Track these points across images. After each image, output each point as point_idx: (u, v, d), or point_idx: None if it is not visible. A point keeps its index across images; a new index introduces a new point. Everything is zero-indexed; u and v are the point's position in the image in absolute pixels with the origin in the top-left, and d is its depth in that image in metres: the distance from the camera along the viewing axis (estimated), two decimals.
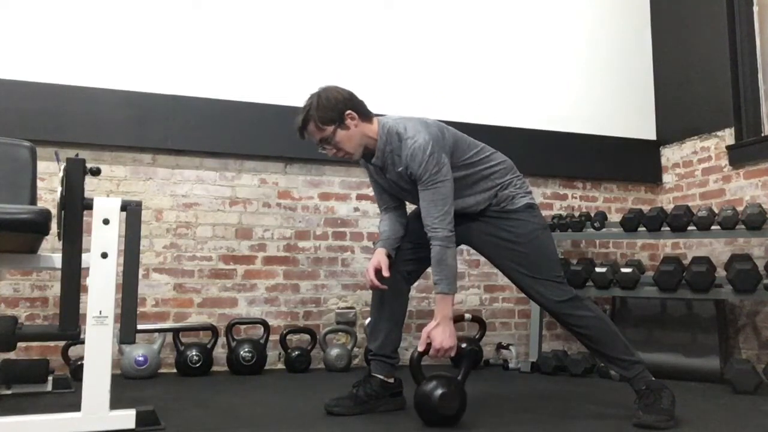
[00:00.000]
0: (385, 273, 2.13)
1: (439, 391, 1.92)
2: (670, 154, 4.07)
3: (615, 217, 3.81)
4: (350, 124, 2.06)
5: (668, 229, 3.18)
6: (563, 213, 3.76)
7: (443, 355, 2.02)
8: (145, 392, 2.53)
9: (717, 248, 3.61)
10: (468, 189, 2.13)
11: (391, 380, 2.22)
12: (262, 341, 3.14)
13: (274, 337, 3.22)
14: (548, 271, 2.11)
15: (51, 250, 2.59)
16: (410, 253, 2.23)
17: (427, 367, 2.05)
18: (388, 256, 2.19)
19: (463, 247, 2.27)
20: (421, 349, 2.02)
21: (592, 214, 3.51)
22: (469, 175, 2.12)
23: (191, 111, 3.27)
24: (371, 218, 3.50)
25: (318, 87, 2.10)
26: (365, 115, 2.10)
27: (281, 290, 3.38)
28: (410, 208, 2.31)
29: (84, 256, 1.84)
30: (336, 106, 2.05)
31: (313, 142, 2.12)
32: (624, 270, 3.17)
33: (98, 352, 1.80)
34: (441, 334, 1.99)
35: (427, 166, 1.99)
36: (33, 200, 2.38)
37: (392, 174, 2.13)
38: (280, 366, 3.23)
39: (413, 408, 1.99)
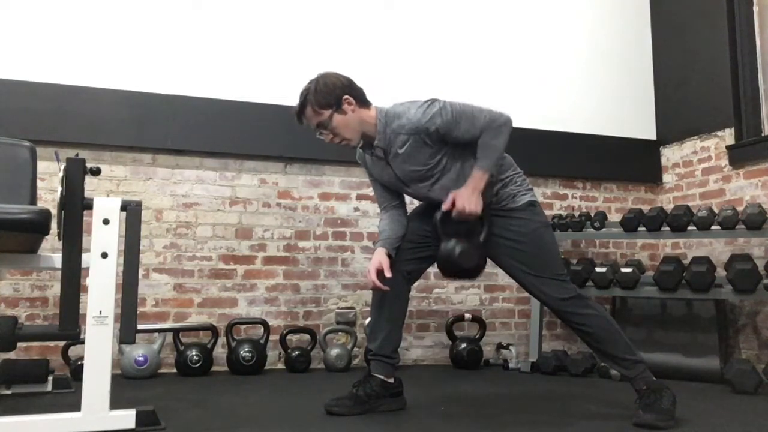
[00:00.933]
0: (387, 273, 2.12)
1: (460, 247, 2.05)
2: (670, 154, 4.07)
3: (615, 217, 3.81)
4: (347, 110, 2.07)
5: (668, 229, 3.18)
6: (563, 213, 3.76)
7: (465, 217, 2.05)
8: (145, 392, 2.53)
9: (717, 248, 3.61)
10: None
11: (391, 380, 2.22)
12: (262, 341, 3.14)
13: (274, 337, 3.22)
14: (551, 269, 2.11)
15: (51, 250, 2.59)
16: (410, 253, 2.22)
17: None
18: (389, 256, 2.18)
19: None
20: (445, 207, 2.07)
21: (592, 214, 3.52)
22: (471, 165, 2.11)
23: (191, 111, 3.27)
24: (371, 218, 3.50)
25: (317, 73, 2.12)
26: (363, 101, 2.11)
27: (281, 290, 3.38)
28: (409, 207, 2.31)
29: (84, 256, 1.84)
30: (334, 91, 2.06)
31: (311, 127, 2.13)
32: (624, 270, 3.17)
33: (98, 352, 1.80)
34: (467, 198, 2.02)
35: (440, 108, 2.03)
36: (33, 200, 2.38)
37: (396, 157, 2.11)
38: (280, 366, 3.24)
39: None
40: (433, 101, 2.06)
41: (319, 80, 2.08)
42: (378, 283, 2.12)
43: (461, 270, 2.10)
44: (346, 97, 2.07)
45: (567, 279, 2.14)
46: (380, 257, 2.15)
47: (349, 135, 2.11)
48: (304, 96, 2.08)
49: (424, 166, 2.09)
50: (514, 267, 2.14)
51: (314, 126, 2.11)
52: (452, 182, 2.10)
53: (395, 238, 2.23)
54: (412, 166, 2.10)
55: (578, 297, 2.11)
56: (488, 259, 2.22)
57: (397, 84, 3.63)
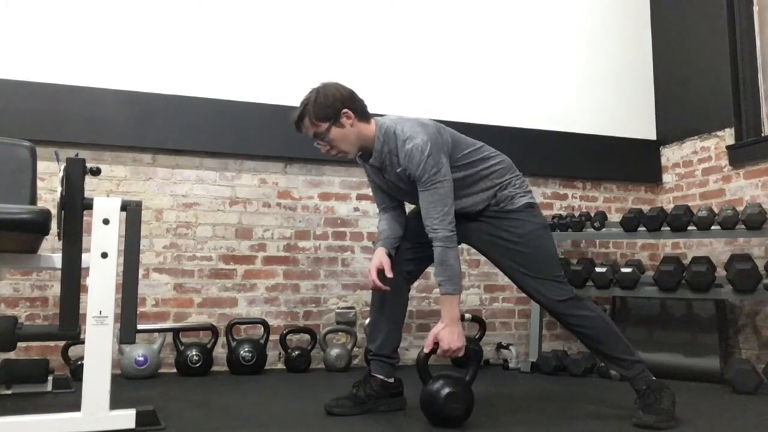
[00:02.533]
0: (388, 273, 2.12)
1: (446, 391, 1.92)
2: (670, 154, 4.07)
3: (615, 217, 3.81)
4: (346, 123, 2.05)
5: (668, 229, 3.18)
6: (563, 213, 3.76)
7: (451, 356, 2.02)
8: (145, 392, 2.53)
9: (717, 248, 3.61)
10: (467, 189, 2.12)
11: (391, 380, 2.22)
12: (262, 341, 3.14)
13: (274, 337, 3.22)
14: (549, 270, 2.11)
15: (51, 250, 2.59)
16: (410, 253, 2.23)
17: (433, 367, 2.04)
18: (389, 256, 2.19)
19: (464, 246, 2.27)
20: (427, 350, 2.01)
21: (592, 214, 3.51)
22: (468, 175, 2.11)
23: (191, 111, 3.27)
24: (371, 218, 3.50)
25: (320, 82, 2.10)
26: (363, 115, 2.09)
27: (281, 290, 3.38)
28: (409, 207, 2.31)
29: (84, 256, 1.84)
30: (333, 104, 2.04)
31: (308, 136, 2.12)
32: (624, 270, 3.17)
33: (98, 352, 1.80)
34: (449, 336, 1.98)
35: (426, 167, 1.98)
36: (33, 200, 2.38)
37: (391, 175, 2.12)
38: (280, 366, 3.23)
39: (419, 408, 1.99)
40: (428, 154, 1.98)
41: (320, 91, 2.06)
42: (378, 283, 2.12)
43: (447, 418, 1.93)
44: (345, 110, 2.04)
45: (564, 280, 2.14)
46: (381, 257, 2.16)
47: (346, 148, 2.10)
48: (303, 106, 2.06)
49: (415, 188, 2.07)
50: (512, 268, 2.14)
51: (312, 136, 2.10)
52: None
53: (394, 238, 2.23)
54: (407, 186, 2.10)
55: (575, 298, 2.11)
56: (488, 260, 2.23)
57: (397, 84, 3.63)
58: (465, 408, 1.94)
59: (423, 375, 2.00)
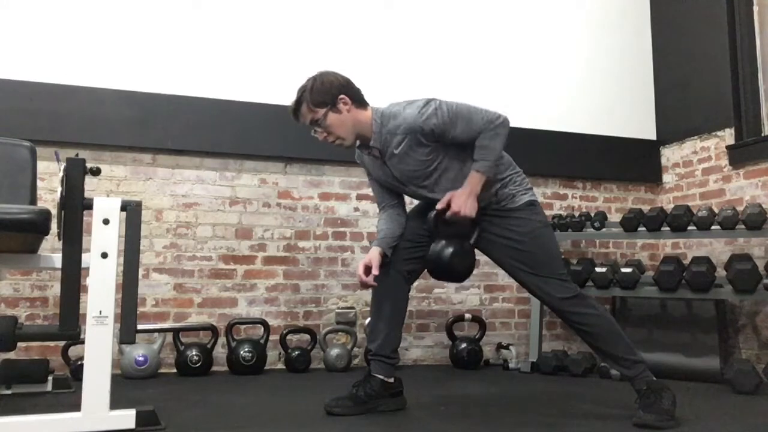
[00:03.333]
0: (375, 271, 2.13)
1: (450, 248, 2.04)
2: (670, 154, 4.07)
3: (615, 217, 3.81)
4: (342, 109, 2.07)
5: (668, 229, 3.18)
6: (563, 213, 3.76)
7: (458, 219, 2.05)
8: (145, 392, 2.53)
9: (717, 248, 3.61)
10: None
11: (391, 380, 2.22)
12: (262, 341, 3.14)
13: (274, 337, 3.22)
14: (551, 268, 2.11)
15: (51, 250, 2.59)
16: (409, 253, 2.22)
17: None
18: (384, 256, 2.18)
19: None
20: (439, 206, 2.06)
21: (592, 214, 3.51)
22: (467, 172, 2.11)
23: (191, 111, 3.27)
24: (371, 218, 3.50)
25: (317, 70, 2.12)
26: (360, 102, 2.11)
27: (281, 290, 3.38)
28: (409, 207, 2.31)
29: (84, 256, 1.84)
30: (330, 90, 2.06)
31: (305, 124, 2.13)
32: (624, 270, 3.17)
33: (98, 352, 1.80)
34: (463, 201, 2.02)
35: (436, 108, 2.02)
36: (33, 200, 2.38)
37: (392, 157, 2.11)
38: (280, 366, 3.23)
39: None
40: (429, 101, 2.06)
41: (317, 78, 2.09)
42: (365, 279, 2.13)
43: (451, 272, 2.09)
44: (341, 96, 2.07)
45: (568, 278, 2.14)
46: (372, 255, 2.17)
47: (343, 134, 2.10)
48: (301, 93, 2.09)
49: (420, 166, 2.09)
50: (515, 267, 2.14)
51: (308, 123, 2.11)
52: (450, 182, 2.10)
53: (392, 237, 2.23)
54: (409, 166, 2.10)
55: (579, 296, 2.11)
56: (489, 260, 2.23)
57: (397, 83, 3.63)
58: (467, 264, 2.08)
59: (432, 231, 2.10)
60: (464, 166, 2.10)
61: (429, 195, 2.16)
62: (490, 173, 2.06)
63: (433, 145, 2.06)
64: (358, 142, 2.17)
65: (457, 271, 2.09)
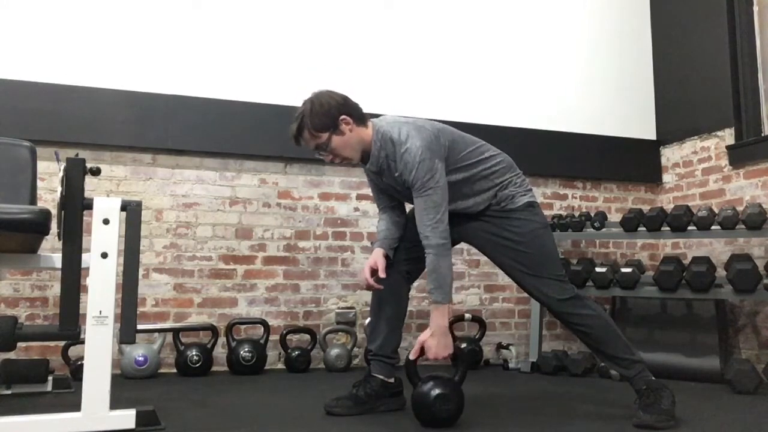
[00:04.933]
0: (381, 274, 2.13)
1: (435, 392, 1.92)
2: (670, 154, 4.07)
3: (615, 217, 3.81)
4: (345, 129, 2.05)
5: (668, 229, 3.18)
6: (563, 213, 3.76)
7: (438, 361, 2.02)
8: (145, 392, 2.53)
9: (717, 248, 3.61)
10: (467, 189, 2.12)
11: (391, 380, 2.22)
12: (262, 341, 3.14)
13: (274, 337, 3.22)
14: (550, 269, 2.11)
15: (51, 250, 2.59)
16: (409, 253, 2.22)
17: (424, 367, 2.05)
18: (386, 257, 2.19)
19: (464, 246, 2.28)
20: (412, 357, 2.02)
21: (592, 214, 3.51)
22: (468, 177, 2.11)
23: (191, 111, 3.27)
24: (371, 218, 3.50)
25: (311, 93, 2.09)
26: (360, 119, 2.08)
27: (281, 290, 3.38)
28: (408, 206, 2.31)
29: (84, 256, 1.84)
30: (329, 112, 2.03)
31: (309, 148, 2.11)
32: (624, 270, 3.17)
33: (98, 352, 1.80)
34: (435, 345, 1.99)
35: (418, 173, 1.98)
36: (33, 200, 2.38)
37: (389, 178, 2.12)
38: (280, 366, 3.24)
39: (411, 409, 1.99)
40: (423, 159, 1.97)
41: (314, 102, 2.04)
42: (371, 282, 2.13)
43: (437, 420, 1.93)
44: (343, 117, 2.04)
45: (566, 279, 2.14)
46: (376, 257, 2.16)
47: (350, 154, 2.09)
48: (300, 119, 2.04)
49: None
50: (513, 267, 2.14)
51: (313, 148, 2.09)
52: (450, 198, 2.08)
53: (392, 238, 2.23)
54: (404, 190, 2.09)
55: (577, 297, 2.11)
56: (488, 260, 2.23)
57: (397, 83, 3.64)
58: (455, 408, 1.94)
59: (412, 378, 2.01)
60: (459, 180, 2.09)
61: None
62: (448, 299, 1.99)
63: None
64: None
65: (444, 418, 1.93)
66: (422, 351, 2.01)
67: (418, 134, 2.02)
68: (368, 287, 2.16)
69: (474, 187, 2.13)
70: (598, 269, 3.23)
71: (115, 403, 1.83)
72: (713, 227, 3.06)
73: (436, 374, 2.00)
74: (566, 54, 4.05)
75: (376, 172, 2.14)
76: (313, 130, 2.03)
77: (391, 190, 2.19)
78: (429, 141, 2.02)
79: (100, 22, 3.21)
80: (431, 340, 1.99)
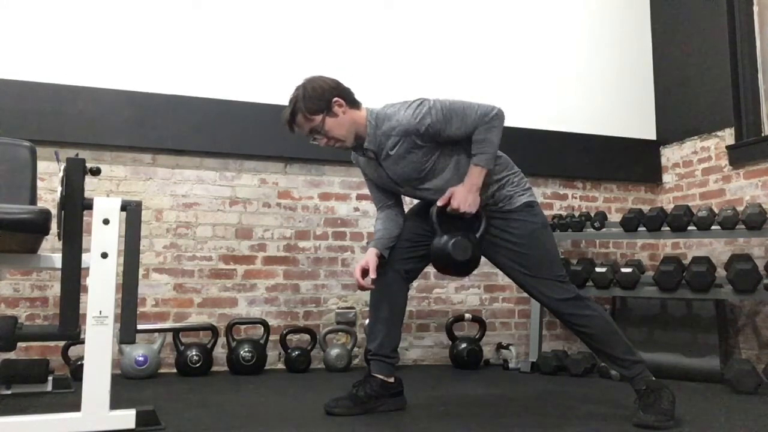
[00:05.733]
0: (372, 274, 2.13)
1: (453, 239, 2.03)
2: (670, 154, 4.08)
3: (615, 217, 3.81)
4: (338, 111, 2.07)
5: (668, 229, 3.18)
6: (563, 213, 3.76)
7: (460, 214, 2.06)
8: (145, 392, 2.53)
9: (717, 248, 3.61)
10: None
11: (391, 380, 2.22)
12: (262, 341, 3.14)
13: (274, 337, 3.22)
14: (550, 270, 2.11)
15: (51, 250, 2.59)
16: (408, 252, 2.22)
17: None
18: (381, 257, 2.18)
19: None
20: (440, 203, 2.07)
21: (592, 214, 3.52)
22: (464, 173, 2.11)
23: (191, 111, 3.27)
24: (371, 218, 3.50)
25: (303, 78, 2.11)
26: (353, 102, 2.11)
27: (281, 290, 3.38)
28: (407, 207, 2.31)
29: (84, 256, 1.84)
30: (323, 95, 2.05)
31: (302, 134, 2.13)
32: (624, 270, 3.17)
33: (98, 352, 1.80)
34: (464, 197, 2.03)
35: (430, 108, 2.02)
36: (33, 200, 2.38)
37: (387, 159, 2.11)
38: (280, 366, 3.24)
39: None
40: (422, 101, 2.06)
41: (306, 86, 2.07)
42: (362, 282, 2.13)
43: (453, 263, 2.05)
44: (336, 99, 2.06)
45: (566, 280, 2.14)
46: (368, 257, 2.17)
47: (343, 135, 2.10)
48: (294, 104, 2.07)
49: (415, 167, 2.09)
50: (513, 268, 2.14)
51: (307, 132, 2.10)
52: (446, 182, 2.10)
53: (389, 238, 2.22)
54: (404, 168, 2.10)
55: (578, 298, 2.11)
56: (488, 261, 2.23)
57: (396, 83, 3.63)
58: (471, 256, 2.04)
59: (435, 227, 2.09)
60: (459, 165, 2.10)
61: (425, 195, 2.17)
62: (490, 165, 2.06)
63: (428, 146, 2.06)
64: (354, 144, 2.16)
65: (461, 262, 2.05)
66: (450, 201, 2.05)
67: (407, 101, 2.10)
68: (360, 287, 2.16)
69: None
70: (598, 269, 3.24)
71: (115, 403, 1.83)
72: (713, 227, 3.06)
73: (457, 226, 2.08)
74: (566, 54, 4.05)
75: (375, 155, 2.13)
76: (307, 113, 2.05)
77: (387, 182, 2.18)
78: (422, 99, 2.09)
79: (100, 22, 3.21)
80: (461, 192, 2.04)
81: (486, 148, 2.03)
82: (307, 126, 2.08)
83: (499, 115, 2.05)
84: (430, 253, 2.11)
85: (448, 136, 2.05)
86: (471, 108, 2.04)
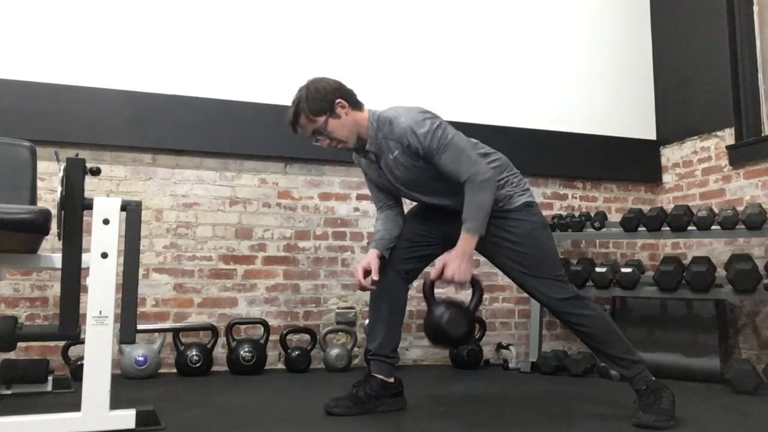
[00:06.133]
0: (375, 276, 2.13)
1: (447, 314, 2.00)
2: (670, 154, 4.07)
3: (615, 217, 3.81)
4: (341, 113, 2.07)
5: (668, 229, 3.18)
6: (563, 213, 3.76)
7: (453, 285, 2.04)
8: (145, 392, 2.53)
9: (717, 248, 3.61)
10: (462, 188, 2.12)
11: (391, 380, 2.22)
12: (262, 341, 3.14)
13: (274, 337, 3.22)
14: (549, 269, 2.11)
15: (51, 250, 2.59)
16: (408, 252, 2.22)
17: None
18: (381, 258, 2.18)
19: None
20: (433, 276, 2.04)
21: (592, 214, 3.52)
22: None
23: (191, 111, 3.27)
24: (371, 218, 3.50)
25: (306, 80, 2.11)
26: (355, 103, 2.11)
27: (281, 290, 3.38)
28: (407, 207, 2.31)
29: (84, 256, 1.84)
30: (326, 96, 2.06)
31: (305, 135, 2.13)
32: (624, 270, 3.17)
33: (98, 352, 1.80)
34: (456, 267, 1.99)
35: (430, 129, 2.00)
36: (33, 200, 2.38)
37: (388, 163, 2.11)
38: (280, 366, 3.24)
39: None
40: (426, 119, 2.02)
41: (309, 87, 2.07)
42: (364, 283, 2.13)
43: (449, 339, 2.03)
44: (338, 100, 2.06)
45: (565, 279, 2.14)
46: (370, 258, 2.16)
47: (345, 137, 2.10)
48: (297, 105, 2.07)
49: (413, 173, 2.09)
50: (512, 268, 2.14)
51: (310, 133, 2.11)
52: (447, 188, 2.09)
53: (389, 238, 2.22)
54: (402, 173, 2.10)
55: (577, 297, 2.11)
56: (487, 260, 2.23)
57: (397, 83, 3.64)
58: (465, 331, 2.00)
59: (429, 300, 2.07)
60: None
61: (424, 199, 2.17)
62: (482, 232, 2.00)
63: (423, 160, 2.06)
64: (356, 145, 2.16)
65: (456, 338, 2.04)
66: (442, 272, 2.02)
67: (416, 108, 2.08)
68: (361, 288, 2.16)
69: None
70: (598, 269, 3.24)
71: (115, 403, 1.83)
72: (713, 227, 3.06)
73: (450, 298, 2.05)
74: (566, 54, 4.05)
75: (376, 156, 2.13)
76: (311, 114, 2.06)
77: (387, 183, 2.18)
78: (425, 110, 2.07)
79: (100, 21, 3.21)
80: (453, 262, 1.99)
81: (477, 213, 1.99)
82: (310, 127, 2.08)
83: (490, 181, 2.00)
84: (423, 327, 2.08)
85: (436, 165, 2.03)
86: (468, 157, 2.01)
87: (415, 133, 2.00)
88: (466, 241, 2.00)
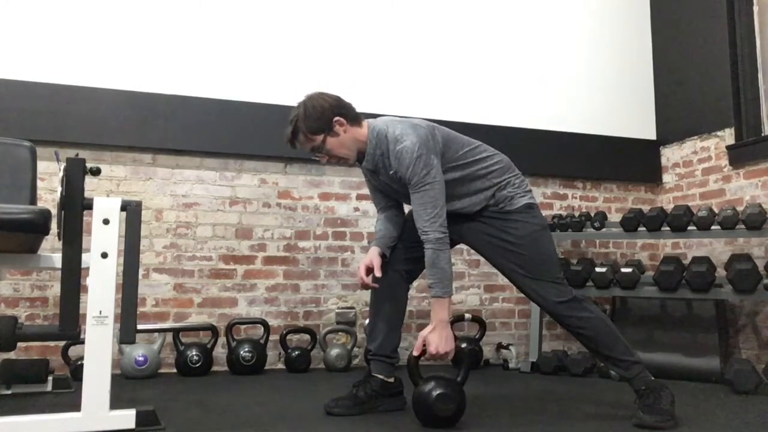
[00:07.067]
0: (377, 273, 2.13)
1: (436, 392, 1.92)
2: (670, 154, 4.07)
3: (615, 217, 3.81)
4: (339, 131, 2.06)
5: (668, 229, 3.18)
6: (563, 213, 3.75)
7: (441, 359, 2.02)
8: (145, 392, 2.53)
9: (717, 248, 3.61)
10: (464, 189, 2.12)
11: (391, 380, 2.22)
12: (262, 341, 3.14)
13: (274, 337, 3.22)
14: (548, 272, 2.10)
15: (51, 250, 2.59)
16: (407, 252, 2.22)
17: (426, 367, 2.05)
18: (383, 256, 2.19)
19: (464, 247, 2.27)
20: (416, 353, 2.01)
21: (592, 214, 3.51)
22: (464, 175, 2.11)
23: (191, 111, 3.27)
24: (371, 218, 3.50)
25: (304, 95, 2.09)
26: (354, 119, 2.09)
27: (281, 290, 3.38)
28: (407, 207, 2.31)
29: (84, 256, 1.84)
30: (323, 114, 2.04)
31: (305, 150, 2.12)
32: (624, 270, 3.17)
33: (98, 352, 1.80)
34: (437, 339, 1.98)
35: (415, 169, 1.98)
36: (33, 200, 2.38)
37: (384, 176, 2.13)
38: (280, 366, 3.24)
39: (412, 408, 1.99)
40: (419, 155, 1.98)
41: (307, 105, 2.06)
42: (366, 281, 2.13)
43: (438, 419, 1.92)
44: (337, 118, 2.05)
45: (564, 282, 2.14)
46: (372, 256, 2.17)
47: (345, 154, 2.10)
48: (294, 123, 2.06)
49: (407, 189, 2.07)
50: (511, 270, 2.14)
51: (309, 150, 2.11)
52: (448, 195, 2.08)
53: (390, 237, 2.23)
54: (403, 188, 2.09)
55: (575, 299, 2.11)
56: (487, 261, 2.23)
57: (397, 83, 3.64)
58: (455, 408, 1.93)
59: (414, 377, 2.00)
60: (455, 179, 2.09)
61: None
62: (449, 293, 1.99)
63: None
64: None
65: (446, 418, 1.93)
66: (425, 348, 2.00)
67: (414, 131, 2.03)
68: (363, 286, 2.16)
69: (470, 187, 2.12)
70: (598, 269, 3.23)
71: (115, 403, 1.83)
72: (713, 227, 3.06)
73: (438, 374, 2.00)
74: (566, 54, 4.05)
75: (373, 171, 2.14)
76: (309, 133, 2.05)
77: (388, 189, 2.19)
78: (425, 137, 2.03)
79: (100, 22, 3.21)
80: (433, 335, 1.98)
81: (440, 275, 1.98)
82: (308, 145, 2.08)
83: (442, 240, 1.98)
84: (412, 405, 1.98)
85: (401, 181, 2.03)
86: (428, 210, 1.98)
87: (402, 164, 1.99)
88: (440, 308, 1.99)
